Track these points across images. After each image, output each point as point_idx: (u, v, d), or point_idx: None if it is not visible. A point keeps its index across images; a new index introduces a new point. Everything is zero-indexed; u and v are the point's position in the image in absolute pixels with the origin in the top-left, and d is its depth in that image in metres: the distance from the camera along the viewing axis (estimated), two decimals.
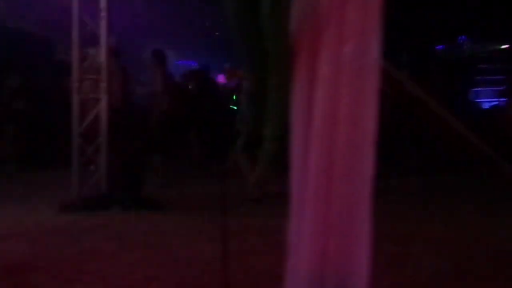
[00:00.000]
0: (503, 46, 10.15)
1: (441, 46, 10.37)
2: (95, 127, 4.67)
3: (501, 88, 9.16)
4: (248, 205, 4.46)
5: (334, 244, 1.44)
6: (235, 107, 7.53)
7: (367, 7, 1.43)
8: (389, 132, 4.98)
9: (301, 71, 1.45)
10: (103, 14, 4.60)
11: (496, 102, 9.29)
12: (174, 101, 6.06)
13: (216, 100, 8.60)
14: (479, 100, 9.86)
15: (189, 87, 8.79)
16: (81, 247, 3.24)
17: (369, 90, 1.39)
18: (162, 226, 3.85)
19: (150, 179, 5.16)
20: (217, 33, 11.72)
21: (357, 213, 1.41)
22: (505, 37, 9.73)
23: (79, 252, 3.13)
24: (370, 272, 1.41)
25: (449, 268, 2.83)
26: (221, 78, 11.32)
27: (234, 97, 10.61)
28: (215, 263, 2.89)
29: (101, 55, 4.63)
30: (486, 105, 9.64)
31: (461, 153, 4.94)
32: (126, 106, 5.63)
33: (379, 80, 1.38)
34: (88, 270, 2.81)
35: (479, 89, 9.99)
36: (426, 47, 9.66)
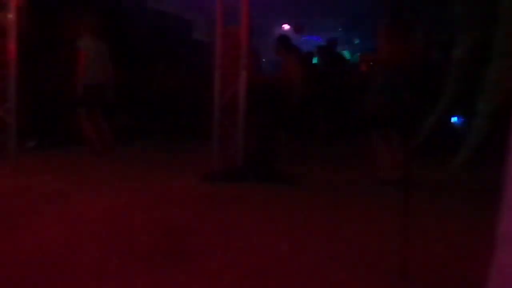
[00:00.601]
0: None
1: None
2: (234, 101, 4.88)
3: None
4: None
5: None
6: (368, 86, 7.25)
7: None
8: None
9: None
10: None
11: None
12: (307, 83, 6.06)
13: (344, 77, 8.39)
14: None
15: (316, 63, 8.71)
16: (228, 215, 3.44)
17: None
18: (298, 200, 3.91)
19: (280, 155, 5.28)
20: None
21: None
22: None
23: (227, 220, 3.31)
24: None
25: None
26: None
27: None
28: (354, 241, 2.87)
29: (241, 32, 4.78)
30: None
31: None
32: (259, 82, 5.77)
33: None
34: (237, 237, 2.95)
35: None
36: None
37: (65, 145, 6.33)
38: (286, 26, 12.17)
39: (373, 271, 2.42)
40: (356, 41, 10.77)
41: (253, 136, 4.90)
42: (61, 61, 6.55)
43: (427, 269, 2.46)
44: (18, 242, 2.77)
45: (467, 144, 3.60)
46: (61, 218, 3.25)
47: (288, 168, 4.99)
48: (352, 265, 2.51)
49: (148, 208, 3.61)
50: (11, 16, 5.50)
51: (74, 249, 2.70)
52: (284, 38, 6.35)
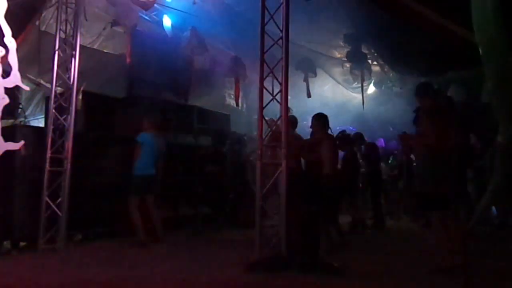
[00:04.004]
0: None
1: None
2: (275, 190, 5.00)
3: None
4: None
5: None
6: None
7: None
8: None
9: None
10: (282, 88, 5.05)
11: None
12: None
13: (372, 164, 8.40)
14: None
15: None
16: None
17: None
18: None
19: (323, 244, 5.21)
20: None
21: None
22: None
23: None
24: None
25: None
26: (381, 142, 11.22)
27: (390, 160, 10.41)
28: None
29: (281, 125, 5.03)
30: None
31: None
32: (301, 171, 5.93)
33: None
34: None
35: None
36: None
37: (109, 236, 6.50)
38: None
39: None
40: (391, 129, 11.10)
41: (296, 226, 4.90)
42: (110, 156, 6.98)
43: None
44: None
45: None
46: None
47: (332, 258, 4.90)
48: None
49: None
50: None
51: None
52: (321, 116, 5.95)
